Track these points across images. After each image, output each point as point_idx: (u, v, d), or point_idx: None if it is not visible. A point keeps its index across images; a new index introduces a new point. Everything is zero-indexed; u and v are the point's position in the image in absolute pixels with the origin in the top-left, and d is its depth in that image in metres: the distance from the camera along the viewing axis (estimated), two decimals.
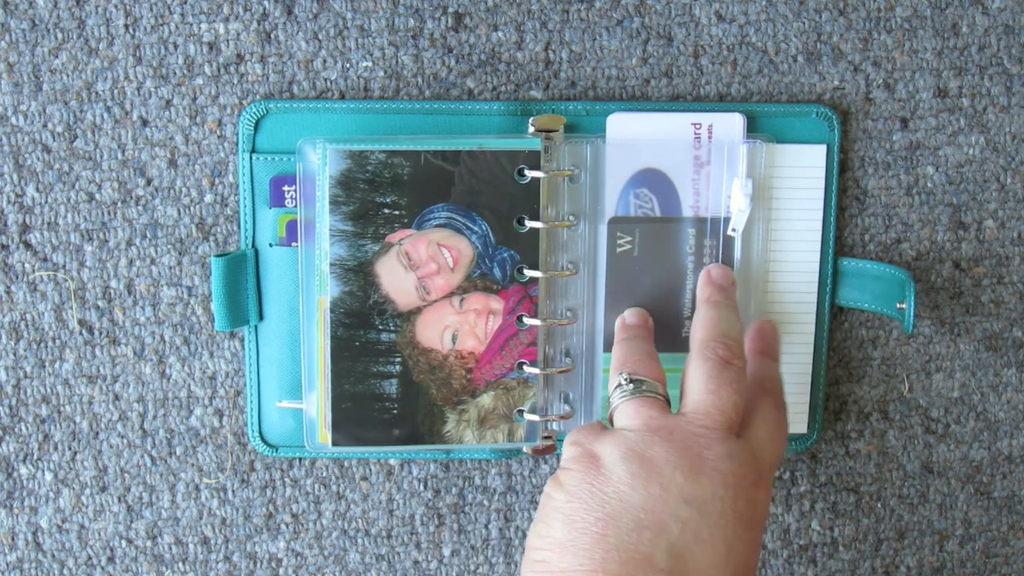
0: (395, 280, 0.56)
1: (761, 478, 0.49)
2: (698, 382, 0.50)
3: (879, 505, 0.64)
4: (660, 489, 0.46)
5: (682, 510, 0.46)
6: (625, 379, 0.51)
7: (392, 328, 0.56)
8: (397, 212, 0.56)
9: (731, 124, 0.57)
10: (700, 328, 0.53)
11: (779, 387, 0.55)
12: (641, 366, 0.52)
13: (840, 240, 0.61)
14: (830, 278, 0.60)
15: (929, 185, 0.61)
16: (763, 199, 0.58)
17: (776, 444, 0.51)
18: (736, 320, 0.54)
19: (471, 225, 0.56)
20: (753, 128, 0.58)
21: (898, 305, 0.58)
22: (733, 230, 0.57)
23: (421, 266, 0.56)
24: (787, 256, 0.59)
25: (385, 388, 0.57)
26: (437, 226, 0.56)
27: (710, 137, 0.57)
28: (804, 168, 0.59)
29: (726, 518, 0.46)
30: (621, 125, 0.58)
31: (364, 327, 0.56)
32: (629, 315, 0.57)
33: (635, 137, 0.57)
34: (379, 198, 0.55)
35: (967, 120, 0.60)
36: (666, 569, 0.44)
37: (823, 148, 0.59)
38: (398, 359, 0.57)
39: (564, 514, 0.47)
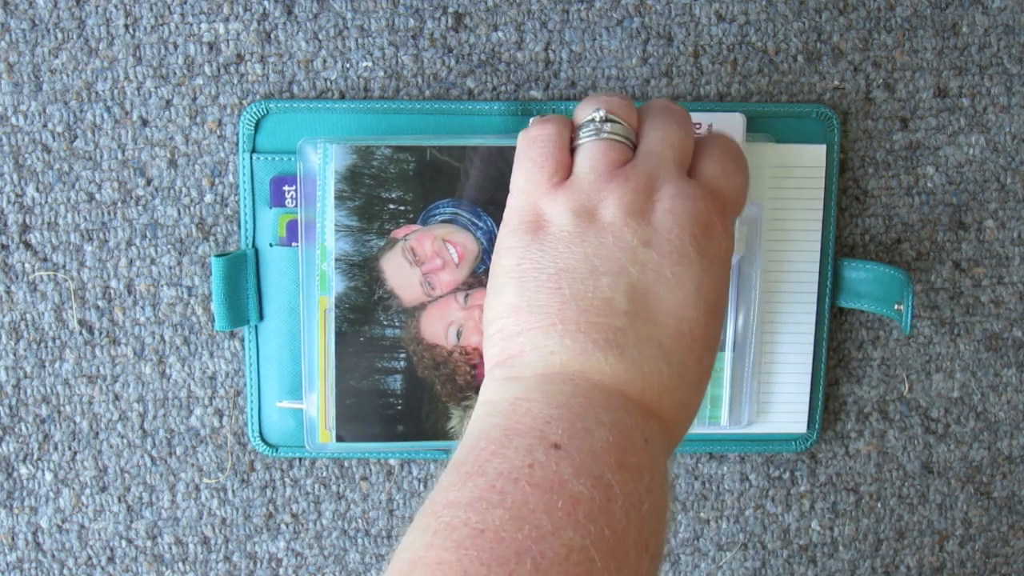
0: (400, 276, 0.56)
1: (720, 214, 0.46)
2: (645, 128, 0.48)
3: (879, 505, 0.64)
4: (613, 237, 0.44)
5: (640, 252, 0.43)
6: (601, 117, 0.47)
7: (397, 324, 0.56)
8: (403, 208, 0.56)
9: (732, 124, 0.57)
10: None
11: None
12: (620, 108, 0.48)
13: (840, 240, 0.61)
14: (830, 279, 0.60)
15: (929, 185, 0.61)
16: (763, 199, 0.58)
17: (731, 176, 0.48)
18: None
19: (477, 221, 0.56)
20: (753, 128, 0.58)
21: (896, 306, 0.58)
22: None
23: (426, 262, 0.56)
24: (787, 256, 0.59)
25: (389, 384, 0.57)
26: (443, 222, 0.56)
27: None
28: (804, 168, 0.59)
29: (688, 255, 0.44)
30: None
31: (369, 323, 0.56)
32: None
33: None
34: (384, 193, 0.55)
35: (967, 120, 0.60)
36: (628, 311, 0.43)
37: (823, 148, 0.59)
38: (402, 355, 0.57)
39: (515, 277, 0.45)
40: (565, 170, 0.47)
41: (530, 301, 0.44)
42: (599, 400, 0.42)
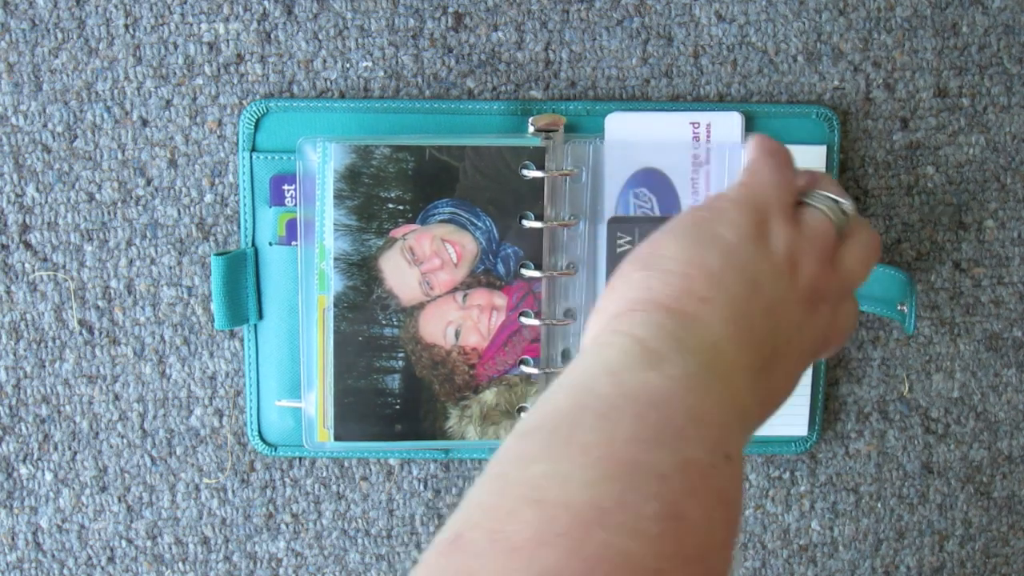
0: (399, 275, 0.56)
1: (840, 295, 0.47)
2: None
3: (879, 505, 0.64)
4: (796, 299, 0.45)
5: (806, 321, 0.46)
6: (847, 207, 0.47)
7: (395, 323, 0.56)
8: (401, 207, 0.56)
9: (729, 123, 0.57)
10: None
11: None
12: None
13: None
14: None
15: (929, 185, 0.61)
16: None
17: (865, 270, 0.48)
18: None
19: (475, 221, 0.56)
20: (753, 128, 0.58)
21: (899, 306, 0.58)
22: None
23: (425, 261, 0.56)
24: None
25: (388, 383, 0.57)
26: (441, 221, 0.56)
27: (708, 137, 0.57)
28: (804, 168, 0.59)
29: (819, 334, 0.47)
30: (620, 125, 0.58)
31: (367, 322, 0.56)
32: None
33: (634, 137, 0.57)
34: (383, 193, 0.55)
35: (967, 120, 0.60)
36: (764, 367, 0.46)
37: (823, 148, 0.59)
38: (401, 354, 0.57)
39: (724, 253, 0.43)
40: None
41: (724, 285, 0.42)
42: (742, 415, 0.43)
